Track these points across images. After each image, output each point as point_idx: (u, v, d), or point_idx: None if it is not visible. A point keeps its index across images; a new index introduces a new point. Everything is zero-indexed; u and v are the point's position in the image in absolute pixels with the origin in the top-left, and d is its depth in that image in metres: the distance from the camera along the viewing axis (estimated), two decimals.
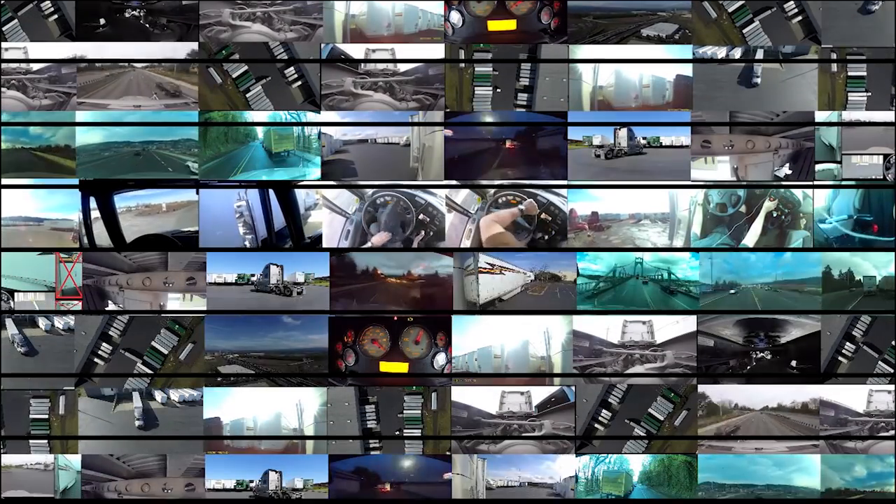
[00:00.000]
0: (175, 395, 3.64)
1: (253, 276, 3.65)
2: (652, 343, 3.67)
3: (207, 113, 3.63)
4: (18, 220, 3.64)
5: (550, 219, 3.70)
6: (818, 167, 3.66)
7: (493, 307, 3.67)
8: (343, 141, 3.66)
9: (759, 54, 3.64)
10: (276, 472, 3.65)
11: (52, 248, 3.63)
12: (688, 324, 3.66)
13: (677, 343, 3.67)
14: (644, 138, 3.65)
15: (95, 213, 3.68)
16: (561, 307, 3.65)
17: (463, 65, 3.65)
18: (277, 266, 3.65)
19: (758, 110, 3.65)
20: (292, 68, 3.66)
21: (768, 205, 3.68)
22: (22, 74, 3.63)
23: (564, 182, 3.64)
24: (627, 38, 3.65)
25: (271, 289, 3.64)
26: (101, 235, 3.69)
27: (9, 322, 3.62)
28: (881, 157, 3.66)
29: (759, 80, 3.64)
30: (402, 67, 3.66)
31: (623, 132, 3.64)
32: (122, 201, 3.74)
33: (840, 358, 3.66)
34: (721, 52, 3.65)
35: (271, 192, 3.72)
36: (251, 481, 3.65)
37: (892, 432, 3.65)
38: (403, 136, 3.66)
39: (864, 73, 3.64)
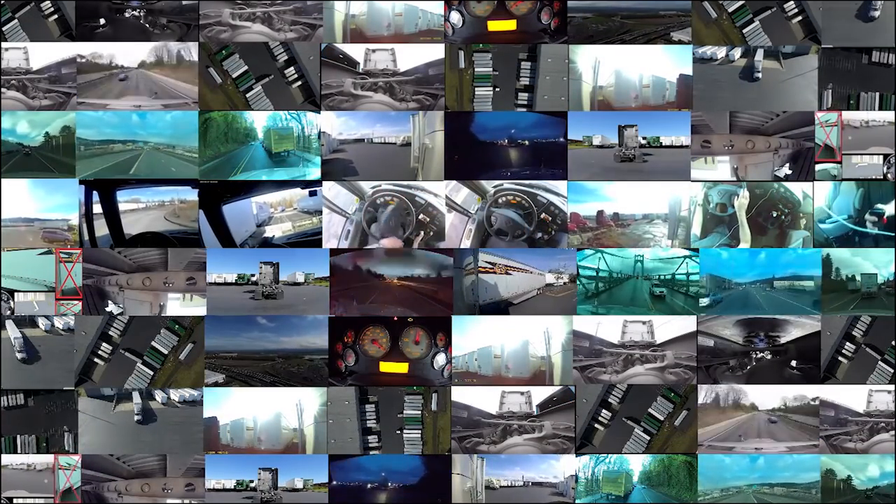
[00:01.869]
0: (175, 394, 3.63)
1: (253, 275, 3.65)
2: (652, 343, 3.67)
3: (207, 113, 3.64)
4: (18, 221, 3.63)
5: (550, 219, 3.70)
6: (818, 167, 3.67)
7: (499, 311, 3.67)
8: (339, 140, 3.66)
9: (760, 54, 3.65)
10: (272, 470, 3.64)
11: (52, 247, 3.63)
12: (688, 323, 3.66)
13: (677, 343, 3.67)
14: (644, 138, 3.65)
15: (97, 209, 3.68)
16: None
17: (463, 65, 3.65)
18: (271, 265, 3.64)
19: (758, 110, 3.66)
20: (292, 68, 3.66)
21: (741, 203, 3.67)
22: (22, 75, 3.63)
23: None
24: (655, 41, 3.64)
25: (260, 291, 3.64)
26: (102, 233, 3.69)
27: (9, 323, 3.61)
28: (881, 157, 3.66)
29: (760, 75, 3.65)
30: (403, 67, 3.66)
31: (632, 132, 3.64)
32: (123, 198, 3.73)
33: (840, 358, 3.66)
34: (721, 52, 3.66)
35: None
36: (251, 481, 3.65)
37: (892, 432, 3.66)
38: (401, 136, 3.66)
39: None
